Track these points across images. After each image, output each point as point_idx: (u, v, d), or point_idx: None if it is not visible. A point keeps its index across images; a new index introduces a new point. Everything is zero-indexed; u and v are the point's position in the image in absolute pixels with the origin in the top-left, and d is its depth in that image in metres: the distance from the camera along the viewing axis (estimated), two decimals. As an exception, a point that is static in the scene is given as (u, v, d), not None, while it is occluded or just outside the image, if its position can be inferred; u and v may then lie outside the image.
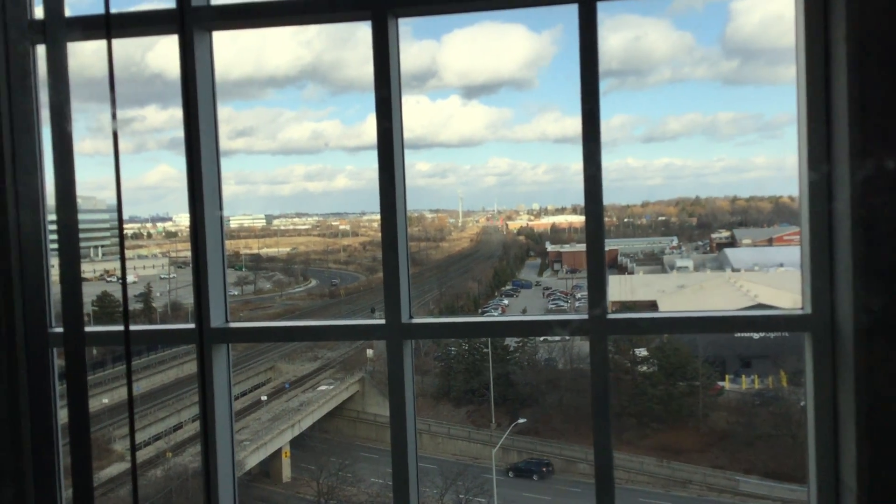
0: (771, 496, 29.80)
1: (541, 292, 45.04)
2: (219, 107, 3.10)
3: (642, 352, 34.98)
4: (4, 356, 2.68)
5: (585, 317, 2.82)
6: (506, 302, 44.11)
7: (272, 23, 3.10)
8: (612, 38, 48.56)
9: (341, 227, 58.36)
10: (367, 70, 3.02)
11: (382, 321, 3.00)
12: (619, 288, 38.00)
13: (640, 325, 2.97)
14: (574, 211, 51.99)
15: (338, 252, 56.11)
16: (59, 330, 2.88)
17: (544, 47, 58.86)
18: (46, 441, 2.87)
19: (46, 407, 2.86)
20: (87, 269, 43.76)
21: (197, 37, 2.95)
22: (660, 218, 50.97)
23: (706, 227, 49.03)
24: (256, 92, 62.72)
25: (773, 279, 36.66)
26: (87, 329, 2.02)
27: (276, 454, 34.21)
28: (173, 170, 63.23)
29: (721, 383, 34.27)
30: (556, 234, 51.91)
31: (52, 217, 2.25)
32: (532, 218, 55.39)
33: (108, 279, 44.53)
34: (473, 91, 63.27)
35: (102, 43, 1.75)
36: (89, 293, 37.04)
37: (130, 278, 44.74)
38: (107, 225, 49.05)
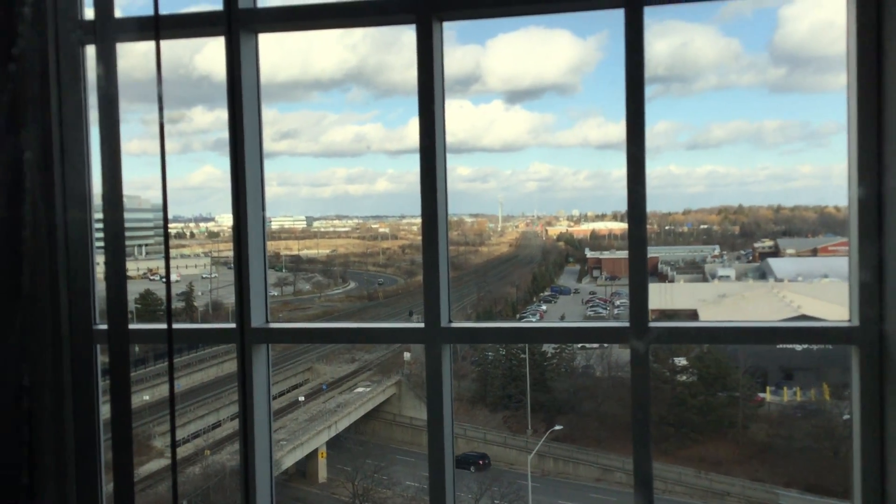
0: (811, 510, 29.35)
1: (579, 299, 44.80)
2: (264, 109, 3.12)
3: (682, 361, 34.62)
4: (50, 352, 2.72)
5: (626, 324, 2.79)
6: (544, 308, 43.94)
7: (318, 25, 3.11)
8: (658, 44, 48.23)
9: (381, 230, 58.57)
10: (410, 74, 3.03)
11: (421, 325, 2.98)
12: (659, 296, 37.61)
13: (684, 333, 2.93)
14: (614, 217, 51.63)
15: (377, 255, 56.32)
16: (104, 327, 2.91)
17: (589, 52, 58.59)
18: (89, 436, 2.91)
19: (90, 402, 2.90)
20: (131, 267, 44.38)
21: (243, 39, 2.98)
22: (702, 226, 50.32)
23: (749, 236, 48.25)
24: (301, 94, 63.29)
25: (816, 290, 36.09)
26: (130, 327, 2.04)
27: (313, 454, 34.44)
28: (217, 170, 63.99)
29: (762, 395, 33.79)
30: (596, 240, 51.59)
31: (97, 216, 2.29)
32: (572, 224, 55.09)
33: (151, 277, 45.14)
34: (516, 96, 63.23)
35: (152, 44, 1.77)
36: (132, 291, 37.62)
37: (173, 277, 45.25)
38: (151, 224, 49.79)
